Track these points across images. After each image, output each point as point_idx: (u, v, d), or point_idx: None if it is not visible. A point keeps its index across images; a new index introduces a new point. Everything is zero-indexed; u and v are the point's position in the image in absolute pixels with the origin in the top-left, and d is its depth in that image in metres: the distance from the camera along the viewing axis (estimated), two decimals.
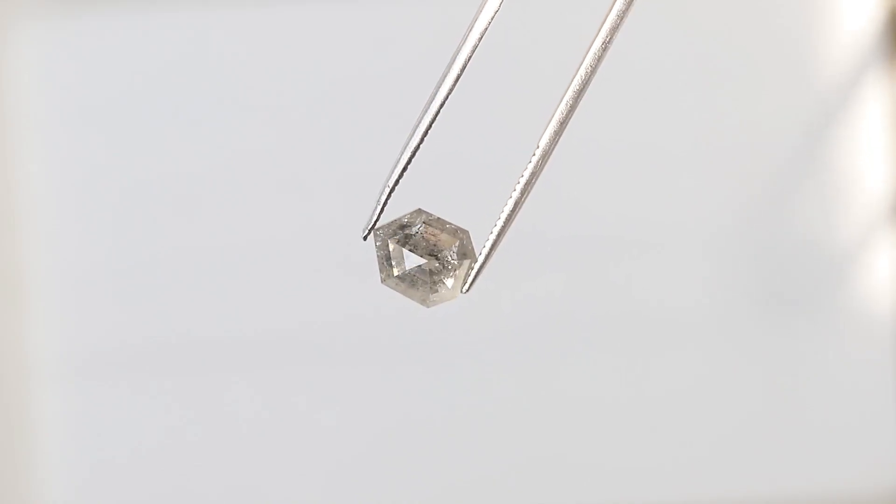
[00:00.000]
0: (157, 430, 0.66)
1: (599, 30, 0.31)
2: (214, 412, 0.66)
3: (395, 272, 0.32)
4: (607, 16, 0.31)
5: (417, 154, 0.32)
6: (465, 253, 0.31)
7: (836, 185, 0.65)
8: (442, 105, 0.32)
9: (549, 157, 0.31)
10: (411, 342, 0.66)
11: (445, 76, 0.32)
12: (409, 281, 0.31)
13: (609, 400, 0.66)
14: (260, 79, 0.65)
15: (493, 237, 0.31)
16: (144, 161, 0.65)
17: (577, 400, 0.66)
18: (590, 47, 0.31)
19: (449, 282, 0.31)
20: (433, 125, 0.32)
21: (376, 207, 0.32)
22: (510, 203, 0.31)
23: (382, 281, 0.31)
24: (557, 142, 0.31)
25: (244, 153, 0.65)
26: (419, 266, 0.31)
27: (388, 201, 0.32)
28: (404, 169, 0.32)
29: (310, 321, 0.65)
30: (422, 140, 0.32)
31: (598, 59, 0.31)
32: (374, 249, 0.32)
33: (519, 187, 0.31)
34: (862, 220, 0.65)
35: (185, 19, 0.65)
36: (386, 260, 0.31)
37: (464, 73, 0.32)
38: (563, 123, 0.31)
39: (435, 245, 0.31)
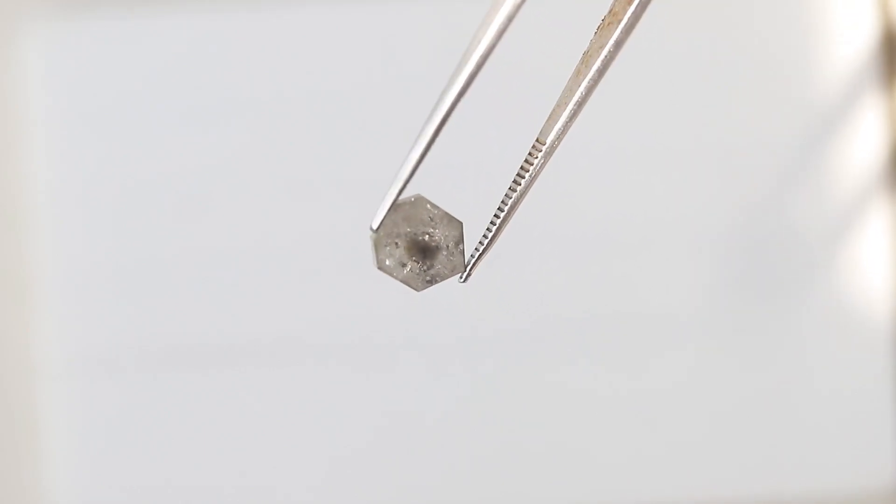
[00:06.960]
0: (161, 429, 0.66)
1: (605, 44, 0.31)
2: (218, 411, 0.66)
3: (385, 259, 0.33)
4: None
5: (428, 152, 0.32)
6: (457, 242, 0.32)
7: (829, 183, 0.65)
8: (453, 107, 0.32)
9: (551, 155, 0.31)
10: (410, 342, 0.66)
11: (456, 79, 0.32)
12: (397, 266, 0.32)
13: (607, 400, 0.66)
14: (262, 81, 0.65)
15: (493, 231, 0.31)
16: (148, 163, 0.65)
17: (575, 399, 0.66)
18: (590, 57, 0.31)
19: (438, 267, 0.32)
20: (443, 126, 0.32)
21: (384, 202, 0.32)
22: (513, 196, 0.31)
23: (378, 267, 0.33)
24: (561, 139, 0.31)
25: (246, 155, 0.65)
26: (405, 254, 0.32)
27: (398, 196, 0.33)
28: (415, 167, 0.32)
29: (313, 321, 0.66)
30: (433, 139, 0.32)
31: (607, 59, 0.31)
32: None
33: (524, 182, 0.31)
34: (855, 219, 0.66)
35: (188, 22, 0.65)
36: (373, 248, 0.32)
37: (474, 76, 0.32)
38: (570, 120, 0.31)
39: (427, 234, 0.32)
